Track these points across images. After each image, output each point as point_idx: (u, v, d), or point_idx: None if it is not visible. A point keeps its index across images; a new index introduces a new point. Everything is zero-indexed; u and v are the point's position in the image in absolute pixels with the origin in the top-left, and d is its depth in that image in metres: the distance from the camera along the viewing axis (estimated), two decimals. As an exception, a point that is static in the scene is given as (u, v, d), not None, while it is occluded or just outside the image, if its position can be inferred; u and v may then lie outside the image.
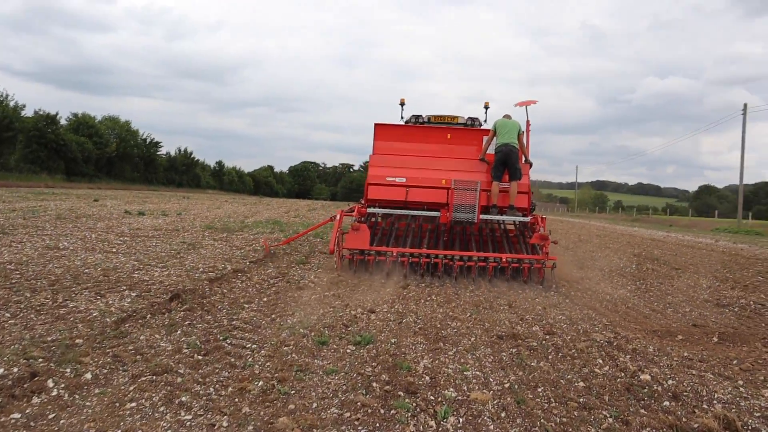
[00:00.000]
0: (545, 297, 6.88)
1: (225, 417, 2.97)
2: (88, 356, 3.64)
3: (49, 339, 3.93)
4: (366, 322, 5.12)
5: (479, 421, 3.08)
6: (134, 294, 5.50)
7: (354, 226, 7.89)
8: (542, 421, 3.13)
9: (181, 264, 7.43)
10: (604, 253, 12.74)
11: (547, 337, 4.94)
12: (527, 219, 8.72)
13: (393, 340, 4.55)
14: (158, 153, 59.74)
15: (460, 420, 3.08)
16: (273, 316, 5.17)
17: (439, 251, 8.14)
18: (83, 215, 13.70)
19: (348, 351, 4.23)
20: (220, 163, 75.68)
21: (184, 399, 3.13)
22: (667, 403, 3.50)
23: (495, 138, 8.96)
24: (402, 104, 11.17)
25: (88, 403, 3.01)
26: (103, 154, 48.10)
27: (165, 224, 12.98)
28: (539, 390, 3.63)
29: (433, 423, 3.01)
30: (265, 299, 5.85)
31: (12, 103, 40.24)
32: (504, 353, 4.40)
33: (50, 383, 3.17)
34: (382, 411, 3.12)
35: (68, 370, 3.38)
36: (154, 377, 3.40)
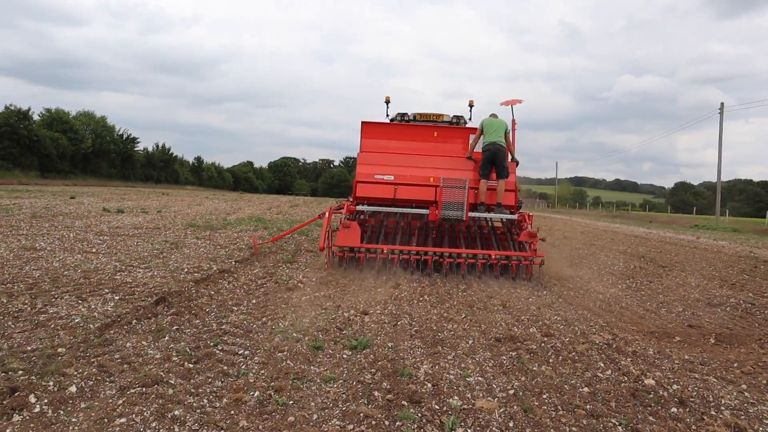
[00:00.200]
0: (538, 297, 6.80)
1: (222, 432, 2.80)
2: (72, 367, 3.44)
3: (29, 348, 3.71)
4: (360, 325, 4.98)
5: (488, 431, 2.96)
6: (117, 297, 5.28)
7: (345, 223, 7.85)
8: (552, 431, 3.02)
9: (164, 264, 7.20)
10: (590, 250, 12.76)
11: (546, 339, 4.85)
12: (515, 216, 8.80)
13: (390, 344, 4.41)
14: (135, 149, 58.81)
15: (469, 431, 2.95)
16: (264, 319, 4.99)
17: (430, 248, 8.17)
18: (60, 213, 13.32)
19: (344, 356, 4.08)
20: (198, 159, 74.90)
21: (177, 413, 2.95)
22: (674, 409, 3.42)
23: (482, 137, 8.97)
24: (387, 102, 11.15)
25: (74, 420, 2.82)
26: (78, 150, 47.17)
27: (145, 222, 12.66)
28: (544, 396, 3.52)
29: (440, 435, 2.88)
30: (254, 301, 5.67)
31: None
32: (504, 357, 4.29)
33: (32, 398, 2.97)
34: (386, 423, 2.98)
35: (51, 383, 3.18)
36: (144, 389, 3.21)
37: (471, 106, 11.55)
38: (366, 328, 4.91)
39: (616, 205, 72.45)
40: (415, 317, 5.37)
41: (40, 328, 4.18)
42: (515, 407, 3.30)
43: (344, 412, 3.11)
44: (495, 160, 8.78)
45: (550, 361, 4.27)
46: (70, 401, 3.01)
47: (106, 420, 2.83)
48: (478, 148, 9.09)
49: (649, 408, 3.44)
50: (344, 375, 3.69)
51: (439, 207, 8.47)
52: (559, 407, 3.36)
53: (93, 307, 4.88)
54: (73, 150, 46.30)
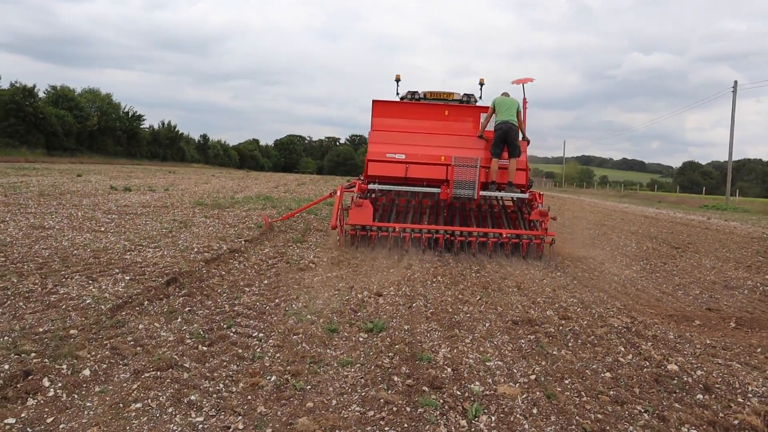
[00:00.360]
0: (552, 278, 6.70)
1: (240, 418, 2.73)
2: (85, 349, 3.37)
3: (40, 330, 3.65)
4: (375, 307, 4.90)
5: (512, 419, 2.88)
6: (128, 278, 5.21)
7: (357, 202, 7.82)
8: (577, 418, 2.94)
9: (174, 244, 7.13)
10: (601, 230, 12.62)
11: (563, 322, 4.76)
12: (526, 195, 8.79)
13: (406, 327, 4.34)
14: (141, 126, 58.56)
15: (492, 419, 2.87)
16: (276, 300, 4.92)
17: (441, 227, 8.19)
18: (67, 191, 13.26)
19: (360, 339, 4.01)
20: (204, 137, 74.63)
21: (193, 398, 2.88)
22: (700, 396, 3.34)
23: (494, 115, 8.86)
24: (397, 80, 11.08)
25: (89, 404, 2.76)
26: (84, 128, 46.99)
27: (153, 200, 12.59)
28: (566, 382, 3.44)
29: (464, 422, 2.81)
30: (266, 282, 5.60)
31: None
32: (522, 340, 4.21)
33: (46, 382, 2.91)
34: (408, 409, 2.91)
35: (64, 366, 3.12)
36: (159, 373, 3.14)
37: (481, 84, 11.39)
38: (381, 310, 4.83)
39: (623, 185, 71.91)
40: (429, 299, 5.28)
41: (52, 308, 4.12)
42: (538, 393, 3.22)
43: (364, 397, 3.04)
44: (507, 138, 8.73)
45: (570, 345, 4.18)
46: (84, 385, 2.95)
47: (121, 405, 2.76)
48: (490, 127, 9.03)
49: (674, 394, 3.35)
50: (361, 359, 3.62)
51: (451, 186, 8.42)
52: (582, 393, 3.28)
53: (104, 287, 4.82)
54: (78, 127, 46.11)
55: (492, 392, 3.19)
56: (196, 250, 6.81)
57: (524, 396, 3.17)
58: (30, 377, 2.91)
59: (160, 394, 2.91)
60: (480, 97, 11.08)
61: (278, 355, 3.59)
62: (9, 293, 4.42)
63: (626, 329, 4.62)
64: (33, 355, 3.22)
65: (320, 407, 2.90)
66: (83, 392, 2.87)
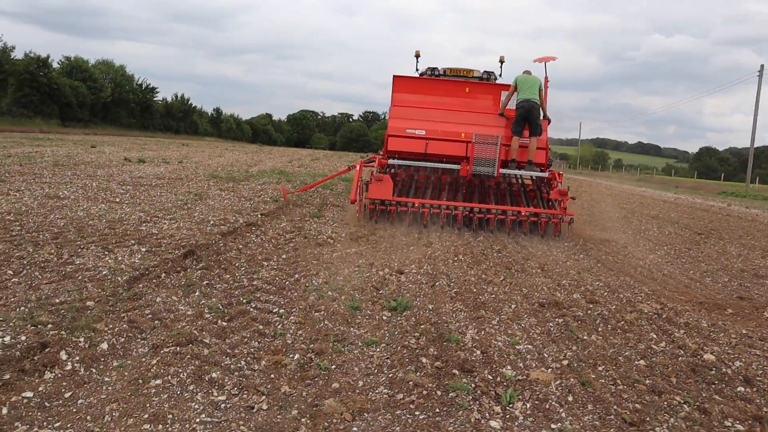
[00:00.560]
0: (576, 260, 6.53)
1: (263, 398, 2.61)
2: (102, 322, 3.27)
3: (57, 301, 3.55)
4: (397, 285, 4.77)
5: (547, 406, 2.74)
6: (144, 249, 5.11)
7: (377, 176, 7.75)
8: (615, 407, 2.80)
9: (189, 216, 7.02)
10: (621, 213, 12.39)
11: (591, 306, 4.60)
12: (545, 174, 8.72)
13: (430, 306, 4.20)
14: (155, 99, 58.40)
15: (527, 405, 2.74)
16: (296, 275, 4.80)
17: (460, 203, 8.15)
18: (81, 162, 13.20)
19: (384, 318, 3.88)
20: (217, 110, 74.25)
21: (214, 375, 2.77)
22: (741, 388, 3.18)
23: (515, 93, 8.66)
24: (417, 56, 10.88)
25: (107, 379, 2.65)
26: (98, 100, 46.90)
27: (167, 172, 12.50)
28: (600, 369, 3.30)
29: (498, 408, 2.67)
30: (284, 256, 5.47)
31: (0, 44, 38.86)
32: (551, 323, 4.06)
33: (63, 355, 2.80)
34: (438, 393, 2.78)
35: (81, 338, 3.01)
36: (178, 348, 3.03)
37: (502, 62, 11.13)
38: (403, 288, 4.70)
39: (639, 169, 70.98)
40: (452, 278, 5.14)
41: (68, 279, 4.02)
42: (572, 380, 3.07)
43: (391, 379, 2.91)
44: (529, 117, 8.60)
45: (600, 330, 4.03)
46: (102, 359, 2.84)
47: (140, 381, 2.66)
48: (511, 105, 8.84)
49: (713, 386, 3.20)
50: (386, 338, 3.49)
51: (471, 162, 8.30)
52: (618, 381, 3.14)
53: (120, 258, 4.71)
54: (92, 99, 46.01)
55: (524, 377, 3.05)
56: (212, 222, 6.70)
57: (558, 382, 3.03)
58: (47, 349, 2.81)
59: (180, 370, 2.80)
60: (500, 75, 10.83)
61: (300, 332, 3.47)
62: (25, 263, 4.33)
63: (657, 315, 4.46)
64: (50, 326, 3.12)
65: (346, 388, 2.78)
66: (101, 367, 2.77)
